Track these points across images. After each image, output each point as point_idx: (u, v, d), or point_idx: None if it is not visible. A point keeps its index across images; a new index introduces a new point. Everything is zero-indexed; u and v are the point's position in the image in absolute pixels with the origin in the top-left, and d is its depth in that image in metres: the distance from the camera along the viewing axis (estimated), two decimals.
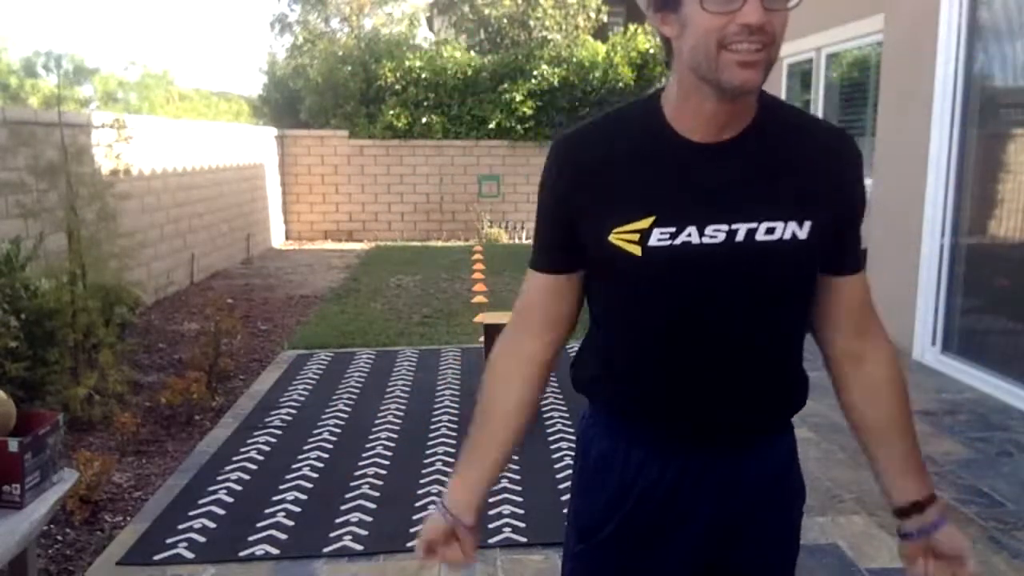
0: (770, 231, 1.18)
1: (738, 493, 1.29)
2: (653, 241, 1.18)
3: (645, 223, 1.18)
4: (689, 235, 1.17)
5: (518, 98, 12.68)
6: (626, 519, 1.30)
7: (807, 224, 1.19)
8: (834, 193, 1.22)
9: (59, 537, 3.14)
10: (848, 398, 1.32)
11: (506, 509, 3.24)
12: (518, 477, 3.52)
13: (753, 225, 1.18)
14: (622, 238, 1.19)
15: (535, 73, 12.82)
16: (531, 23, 15.70)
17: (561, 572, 1.43)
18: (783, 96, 9.78)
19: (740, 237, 1.17)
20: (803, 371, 1.34)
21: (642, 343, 1.27)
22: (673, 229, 1.18)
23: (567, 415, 4.36)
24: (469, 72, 12.95)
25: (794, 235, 1.18)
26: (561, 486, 3.47)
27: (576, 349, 1.40)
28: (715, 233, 1.17)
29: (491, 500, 3.33)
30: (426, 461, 3.77)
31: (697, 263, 1.18)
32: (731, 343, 1.23)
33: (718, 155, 1.18)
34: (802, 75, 9.34)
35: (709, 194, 1.18)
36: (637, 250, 1.18)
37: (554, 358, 1.35)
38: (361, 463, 3.76)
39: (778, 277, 1.21)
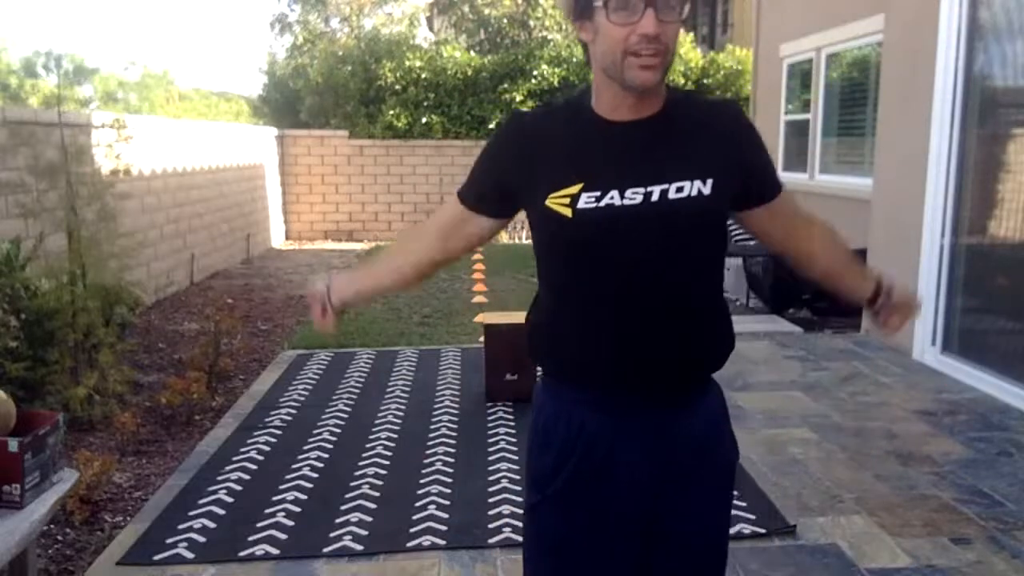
0: (679, 189, 1.39)
1: (675, 445, 1.47)
2: (582, 204, 1.38)
3: (575, 189, 1.38)
4: (612, 198, 1.38)
5: (518, 98, 12.69)
6: (573, 472, 1.47)
7: (710, 181, 1.40)
8: (728, 150, 1.44)
9: (59, 537, 3.14)
10: (813, 256, 1.60)
11: (506, 509, 3.24)
12: (517, 477, 3.52)
13: (665, 186, 1.38)
14: (556, 202, 1.40)
15: (535, 73, 12.82)
16: (531, 23, 15.70)
17: (523, 526, 1.59)
18: (783, 96, 9.79)
19: (655, 197, 1.38)
20: (727, 328, 1.54)
21: (578, 303, 1.45)
22: (598, 193, 1.38)
23: None
24: (469, 72, 12.96)
25: (699, 191, 1.39)
26: None
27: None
28: (634, 195, 1.38)
29: (491, 500, 3.34)
30: (426, 461, 3.77)
31: (621, 221, 1.38)
32: (656, 295, 1.41)
33: (633, 131, 1.41)
34: (802, 75, 9.34)
35: (627, 163, 1.40)
36: (568, 212, 1.39)
37: (433, 266, 1.63)
38: (361, 463, 3.76)
39: (690, 228, 1.41)
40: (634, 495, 1.47)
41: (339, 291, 1.61)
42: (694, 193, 1.38)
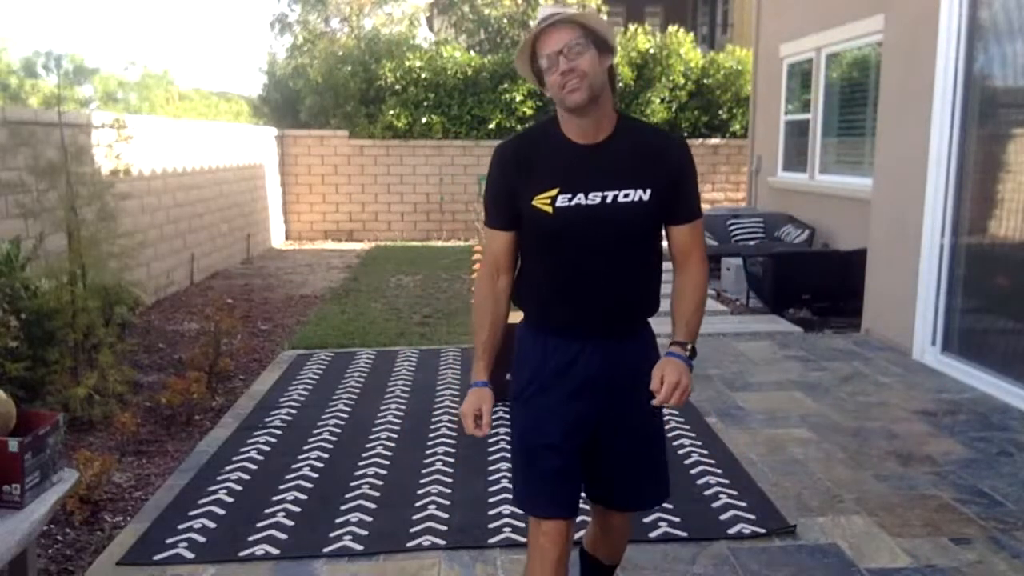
0: (627, 195, 1.95)
1: (615, 363, 2.03)
2: (559, 203, 1.95)
3: (554, 192, 1.95)
4: (580, 199, 1.94)
5: (518, 98, 12.69)
6: (545, 382, 2.04)
7: (648, 191, 1.96)
8: (665, 171, 1.98)
9: (59, 537, 3.14)
10: (673, 290, 2.07)
11: (506, 509, 3.24)
12: None
13: (616, 192, 1.95)
14: (541, 202, 1.96)
15: None
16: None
17: (510, 428, 2.13)
18: (783, 96, 9.79)
19: (609, 200, 1.95)
20: (655, 292, 2.08)
21: (552, 271, 2.02)
22: (570, 195, 1.94)
23: None
24: (469, 72, 12.95)
25: (640, 198, 1.96)
26: None
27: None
28: (595, 197, 1.95)
29: (491, 500, 3.34)
30: (426, 461, 3.77)
31: (585, 215, 1.94)
32: (605, 268, 1.98)
33: (594, 151, 1.97)
34: (802, 75, 9.34)
35: (591, 174, 1.95)
36: (550, 209, 1.95)
37: (512, 284, 2.11)
38: (361, 463, 3.76)
39: (632, 223, 1.97)
40: (587, 396, 2.02)
41: (486, 377, 2.06)
42: (636, 199, 1.95)
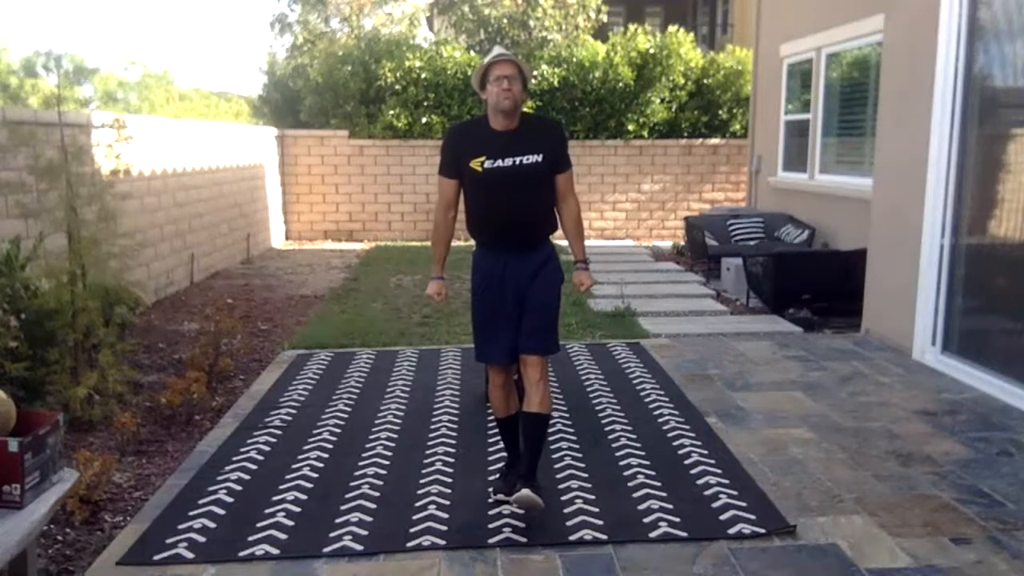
0: (528, 159, 3.19)
1: (525, 267, 3.26)
2: (486, 165, 3.18)
3: (482, 158, 3.19)
4: (499, 162, 3.18)
5: None
6: (489, 283, 3.28)
7: (541, 155, 3.21)
8: (550, 144, 3.26)
9: (59, 537, 3.14)
10: (560, 220, 3.37)
11: (506, 509, 3.24)
12: None
13: (522, 158, 3.19)
14: (474, 164, 3.20)
15: (535, 73, 12.81)
16: (531, 23, 15.69)
17: (471, 309, 3.37)
18: (783, 96, 9.80)
19: (517, 162, 3.18)
20: (553, 220, 3.34)
21: (483, 209, 3.26)
22: (493, 160, 3.18)
23: (567, 414, 4.37)
24: (469, 72, 12.94)
25: (536, 161, 3.20)
26: (560, 486, 3.47)
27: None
28: (508, 161, 3.18)
29: (491, 500, 3.34)
30: (426, 461, 3.77)
31: (503, 172, 3.18)
32: (517, 206, 3.21)
33: (507, 134, 3.21)
34: (802, 75, 9.34)
35: (505, 148, 3.19)
36: (480, 168, 3.19)
37: (456, 214, 3.37)
38: (361, 463, 3.76)
39: (532, 175, 3.21)
40: (513, 288, 3.25)
41: (441, 273, 3.42)
42: (534, 161, 3.19)
